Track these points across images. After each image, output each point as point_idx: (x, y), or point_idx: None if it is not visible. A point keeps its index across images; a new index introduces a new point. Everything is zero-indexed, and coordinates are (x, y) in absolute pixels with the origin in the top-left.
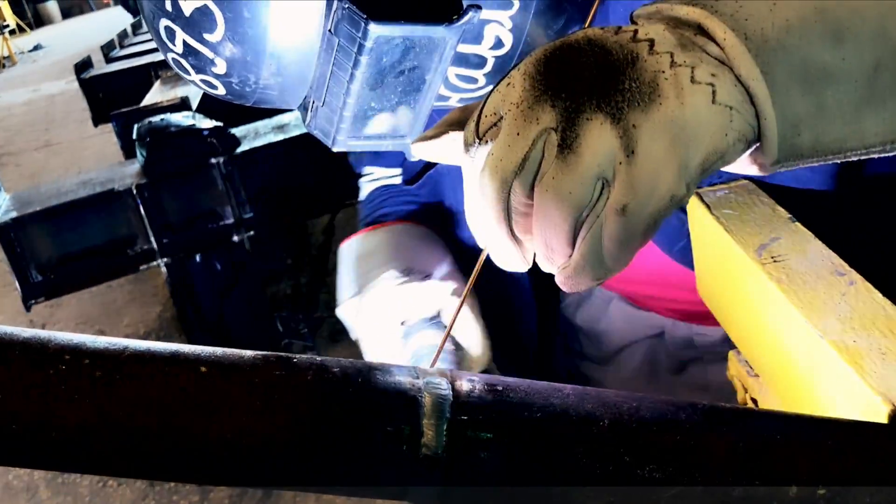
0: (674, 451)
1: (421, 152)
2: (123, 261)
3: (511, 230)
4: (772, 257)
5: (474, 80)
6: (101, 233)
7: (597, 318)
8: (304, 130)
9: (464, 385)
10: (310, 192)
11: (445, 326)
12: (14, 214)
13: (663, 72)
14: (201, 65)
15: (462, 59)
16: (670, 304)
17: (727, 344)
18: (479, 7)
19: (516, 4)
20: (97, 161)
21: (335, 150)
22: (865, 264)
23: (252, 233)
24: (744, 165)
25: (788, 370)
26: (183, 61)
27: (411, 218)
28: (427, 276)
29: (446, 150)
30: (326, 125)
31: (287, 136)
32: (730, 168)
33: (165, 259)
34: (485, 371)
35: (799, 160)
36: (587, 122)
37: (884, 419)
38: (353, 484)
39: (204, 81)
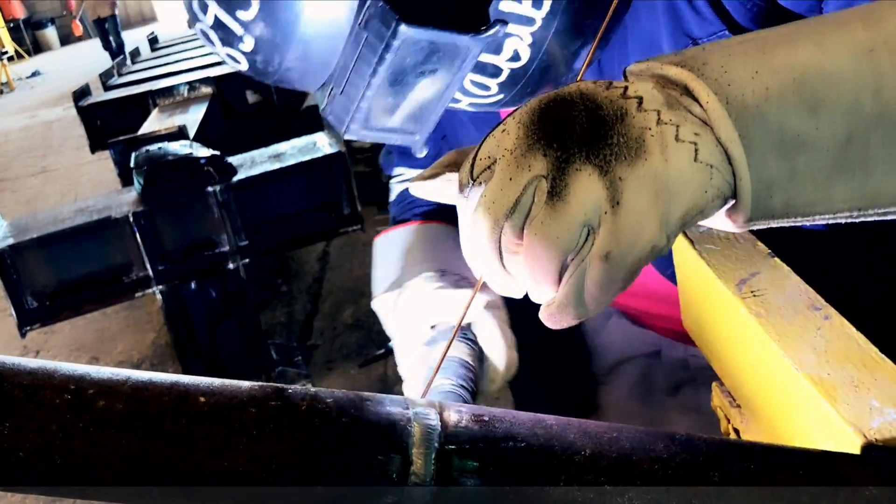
0: (652, 479)
1: (419, 191)
2: (119, 288)
3: (503, 265)
4: (751, 291)
5: (487, 88)
6: (98, 260)
7: (597, 331)
8: (299, 160)
9: (451, 416)
10: (305, 220)
11: (473, 338)
12: (11, 241)
13: (650, 128)
14: (229, 39)
15: (479, 67)
16: (667, 323)
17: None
18: (505, 22)
19: (538, 22)
20: (94, 188)
21: (346, 137)
22: (841, 300)
23: (247, 260)
24: (719, 221)
25: (767, 401)
26: (211, 33)
27: (443, 218)
28: (461, 279)
29: (442, 189)
30: (342, 113)
31: (283, 164)
32: (705, 223)
33: (161, 286)
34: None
35: (770, 220)
36: (576, 173)
37: (856, 450)
38: None
39: (228, 55)
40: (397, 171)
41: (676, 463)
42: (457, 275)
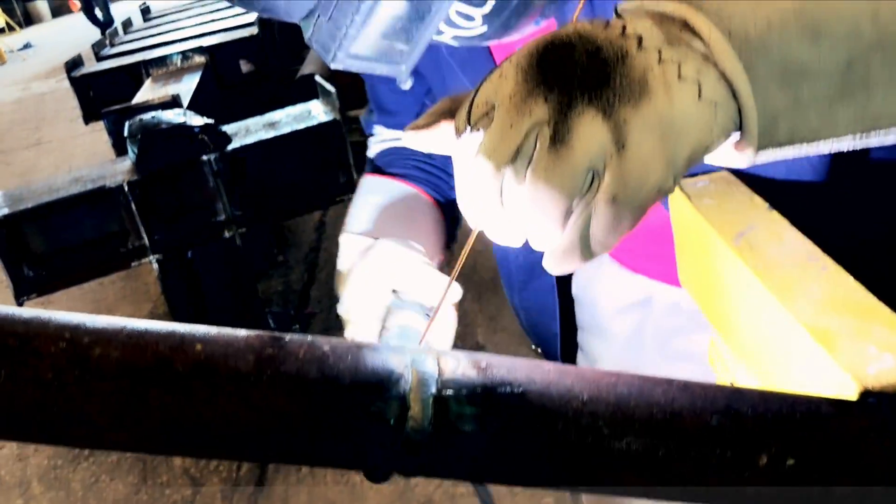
0: (650, 423)
1: (412, 141)
2: (115, 257)
3: (503, 213)
4: (749, 244)
5: (471, 19)
6: (93, 229)
7: (589, 283)
8: (294, 128)
9: (449, 362)
10: (301, 188)
11: (428, 311)
12: (6, 211)
13: (652, 68)
14: None
15: None
16: (659, 264)
17: None
18: None
19: None
20: (88, 159)
21: (333, 66)
22: (840, 252)
23: (243, 229)
24: (724, 156)
25: (765, 353)
26: None
27: (419, 183)
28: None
29: (437, 139)
30: (329, 41)
31: (278, 133)
32: (712, 160)
33: (157, 255)
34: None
35: (777, 150)
36: (579, 117)
37: (854, 396)
38: (342, 458)
39: None
40: (376, 129)
41: (674, 408)
42: (425, 253)
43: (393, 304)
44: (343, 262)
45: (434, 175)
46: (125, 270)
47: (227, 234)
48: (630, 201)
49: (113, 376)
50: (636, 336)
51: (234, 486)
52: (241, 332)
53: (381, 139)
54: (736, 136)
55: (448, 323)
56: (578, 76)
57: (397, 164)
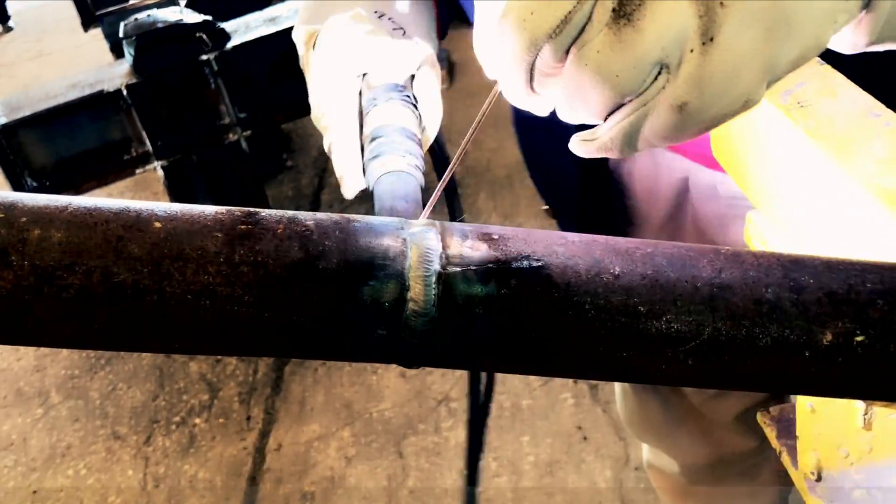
0: (693, 299)
1: None
2: (119, 164)
3: (531, 86)
4: (798, 102)
5: None
6: (95, 136)
7: (623, 161)
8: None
9: (454, 234)
10: (304, 87)
11: (414, 101)
12: (3, 120)
13: None
14: None
15: None
16: (696, 146)
17: None
18: None
19: None
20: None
21: None
22: None
23: (249, 132)
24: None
25: (817, 224)
26: None
27: None
28: (397, 28)
29: None
30: None
31: (279, 28)
32: None
33: (162, 161)
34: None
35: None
36: None
37: None
38: (332, 349)
39: None
40: None
41: (722, 279)
42: (395, 23)
43: (366, 101)
44: (302, 62)
45: None
46: (131, 178)
47: (232, 138)
48: (703, 111)
49: (56, 260)
50: (670, 222)
51: (252, 389)
52: (209, 209)
53: None
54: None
55: (433, 114)
56: None
57: None
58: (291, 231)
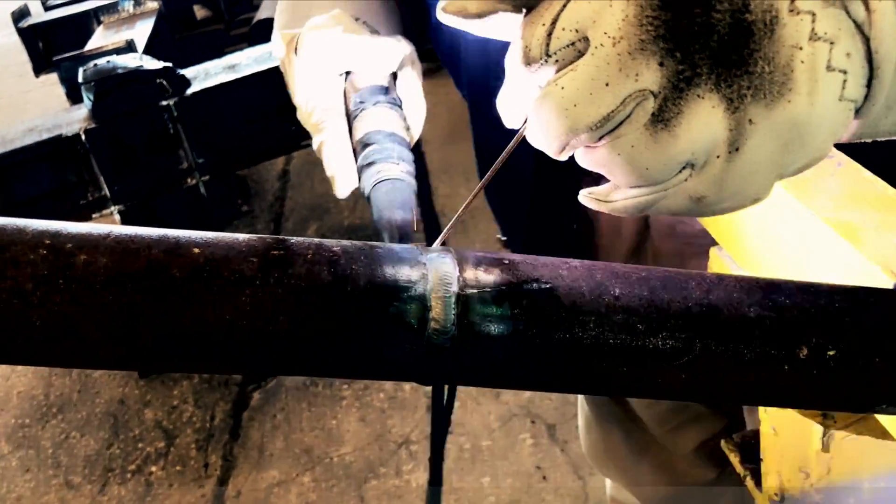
0: (686, 317)
1: (453, 20)
2: (76, 209)
3: (560, 153)
4: None
5: None
6: (51, 181)
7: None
8: (256, 69)
9: (468, 260)
10: (264, 133)
11: (398, 102)
12: None
13: (800, 47)
14: None
15: None
16: None
17: (709, 235)
18: None
19: None
20: (41, 114)
21: None
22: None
23: (207, 177)
24: None
25: (776, 257)
26: None
27: None
28: (377, 34)
29: (491, 28)
30: None
31: (239, 75)
32: None
33: (118, 206)
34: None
35: (871, 138)
36: (697, 101)
37: (889, 286)
38: (357, 367)
39: None
40: None
41: (710, 300)
42: (370, 27)
43: (353, 103)
44: (285, 72)
45: None
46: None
47: (190, 182)
48: (717, 204)
49: (102, 284)
50: (632, 258)
51: (209, 436)
52: (241, 236)
53: None
54: None
55: (417, 114)
56: (713, 44)
57: None
58: (320, 256)
